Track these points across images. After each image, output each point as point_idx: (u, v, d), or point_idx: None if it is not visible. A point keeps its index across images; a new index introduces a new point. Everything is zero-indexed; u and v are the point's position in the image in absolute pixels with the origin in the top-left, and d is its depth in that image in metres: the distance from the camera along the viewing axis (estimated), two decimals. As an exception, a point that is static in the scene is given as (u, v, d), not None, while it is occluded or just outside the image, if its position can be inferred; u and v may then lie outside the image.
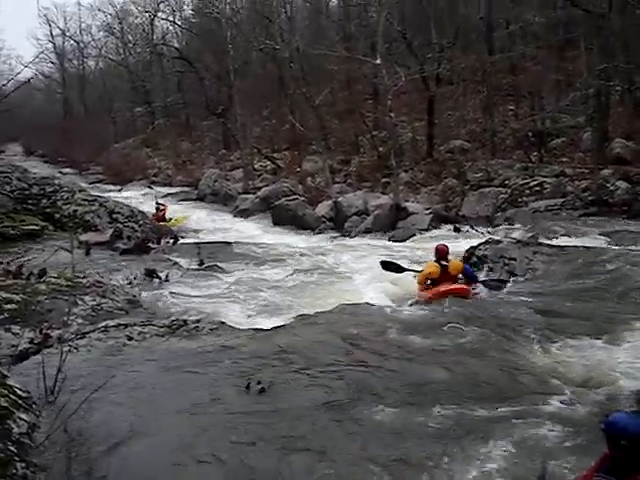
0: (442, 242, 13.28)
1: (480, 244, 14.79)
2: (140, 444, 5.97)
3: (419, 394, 7.07)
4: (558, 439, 6.03)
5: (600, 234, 17.37)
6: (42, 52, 70.70)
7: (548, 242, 15.99)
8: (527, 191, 22.76)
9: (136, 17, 64.72)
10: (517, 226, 20.29)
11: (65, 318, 9.37)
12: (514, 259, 13.75)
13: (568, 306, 10.41)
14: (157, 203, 27.27)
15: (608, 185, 21.09)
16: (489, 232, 19.77)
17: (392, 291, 13.34)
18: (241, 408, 6.67)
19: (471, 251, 14.57)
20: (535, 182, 23.09)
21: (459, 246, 17.53)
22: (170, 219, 25.57)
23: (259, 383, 7.08)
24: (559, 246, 14.98)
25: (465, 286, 11.88)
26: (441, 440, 6.06)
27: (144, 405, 6.69)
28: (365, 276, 14.94)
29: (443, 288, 11.58)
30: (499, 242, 14.66)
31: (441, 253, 12.19)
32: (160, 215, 25.57)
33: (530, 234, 18.24)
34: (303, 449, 5.97)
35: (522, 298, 11.12)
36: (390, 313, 10.25)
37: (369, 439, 6.10)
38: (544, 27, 31.03)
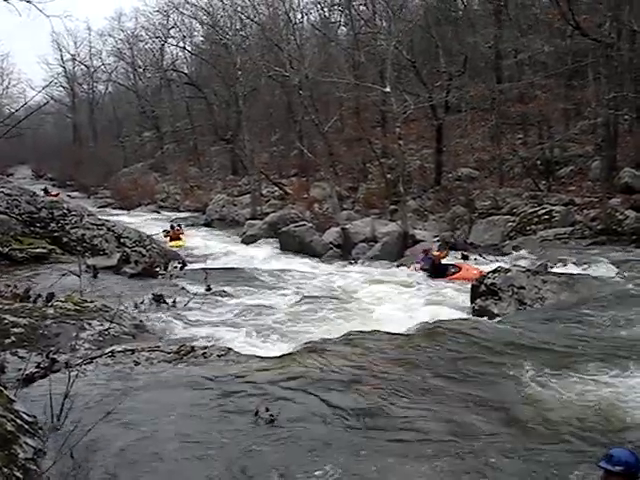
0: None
1: (489, 272, 14.71)
2: (147, 472, 5.90)
3: (428, 424, 6.98)
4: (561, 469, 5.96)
5: (609, 263, 17.30)
6: (55, 78, 71.21)
7: (557, 271, 15.92)
8: (535, 219, 22.74)
9: (146, 43, 65.20)
10: (525, 254, 20.22)
11: (72, 342, 9.34)
12: (523, 288, 13.67)
13: (577, 335, 10.30)
14: (172, 222, 30.53)
15: (617, 214, 21.07)
16: (497, 260, 19.69)
17: (402, 318, 13.29)
18: (249, 436, 6.59)
19: (480, 279, 14.49)
20: (543, 210, 23.06)
21: (467, 274, 17.57)
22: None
23: (267, 411, 7.00)
24: (568, 275, 14.90)
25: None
26: (448, 469, 6.00)
27: (151, 433, 6.61)
28: (373, 303, 14.91)
29: None
30: (508, 270, 14.57)
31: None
32: (176, 233, 27.90)
33: (539, 263, 18.19)
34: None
35: (531, 327, 11.03)
36: (399, 340, 10.16)
37: (379, 470, 6.02)
38: (553, 56, 31.12)
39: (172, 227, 28.84)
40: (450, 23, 38.75)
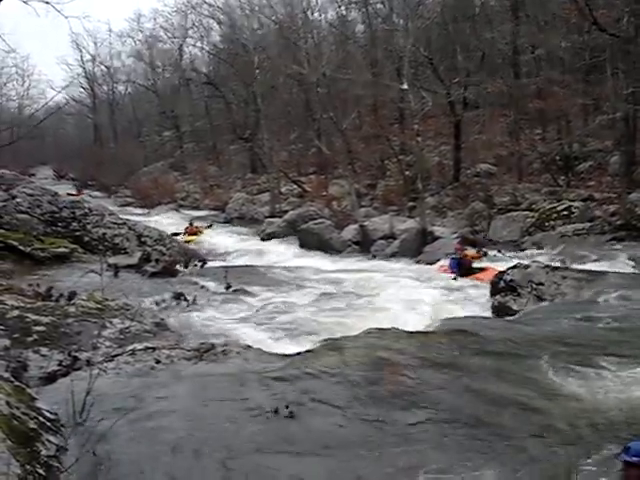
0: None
1: (508, 268, 14.70)
2: (168, 469, 5.97)
3: (450, 421, 7.01)
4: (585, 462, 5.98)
5: (628, 259, 17.23)
6: (75, 79, 71.54)
7: (576, 267, 15.86)
8: (554, 215, 22.64)
9: (165, 43, 65.51)
10: (545, 250, 20.15)
11: (94, 341, 9.43)
12: (542, 284, 13.64)
13: (596, 331, 10.30)
14: (192, 221, 31.23)
15: (636, 209, 20.94)
16: (516, 256, 19.63)
17: (421, 315, 13.32)
18: (270, 433, 6.64)
19: (499, 276, 14.48)
20: (562, 206, 22.97)
21: (486, 270, 17.52)
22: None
23: (287, 408, 7.06)
24: (587, 271, 14.85)
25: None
26: (470, 464, 6.03)
27: (172, 430, 6.68)
28: (392, 300, 14.92)
29: None
30: (527, 267, 14.53)
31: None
32: (193, 229, 28.92)
33: (558, 259, 18.13)
34: (331, 476, 5.95)
35: (551, 323, 11.03)
36: (418, 338, 10.19)
37: (398, 466, 6.06)
38: (570, 51, 30.95)
39: (191, 224, 29.88)
40: (467, 20, 38.59)
